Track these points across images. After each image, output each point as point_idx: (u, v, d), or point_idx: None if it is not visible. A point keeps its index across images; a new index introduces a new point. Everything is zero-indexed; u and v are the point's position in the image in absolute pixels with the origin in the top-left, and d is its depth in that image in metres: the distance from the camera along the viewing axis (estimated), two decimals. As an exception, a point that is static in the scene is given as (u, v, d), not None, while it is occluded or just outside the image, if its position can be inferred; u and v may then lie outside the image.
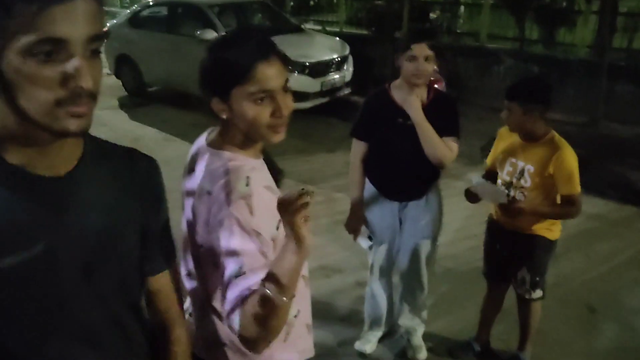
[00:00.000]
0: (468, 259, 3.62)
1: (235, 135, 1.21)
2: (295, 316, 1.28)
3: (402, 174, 2.40)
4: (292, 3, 10.57)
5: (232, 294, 1.08)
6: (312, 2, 11.08)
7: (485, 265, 2.69)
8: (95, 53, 0.80)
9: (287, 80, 1.17)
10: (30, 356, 0.86)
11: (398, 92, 2.28)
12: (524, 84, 2.37)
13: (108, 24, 8.21)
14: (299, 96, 6.58)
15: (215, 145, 1.23)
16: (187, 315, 1.33)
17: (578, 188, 2.25)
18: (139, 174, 0.99)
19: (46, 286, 0.85)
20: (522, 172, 2.32)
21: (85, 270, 0.88)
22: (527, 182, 2.31)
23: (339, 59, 6.98)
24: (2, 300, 0.82)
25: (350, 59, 7.26)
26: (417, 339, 2.75)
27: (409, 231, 2.50)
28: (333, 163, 5.32)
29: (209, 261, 1.16)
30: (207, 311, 1.27)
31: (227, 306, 1.08)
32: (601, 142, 5.91)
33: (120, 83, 8.00)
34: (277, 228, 1.15)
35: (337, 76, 6.89)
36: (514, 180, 2.35)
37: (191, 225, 1.22)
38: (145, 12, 7.89)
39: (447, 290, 3.29)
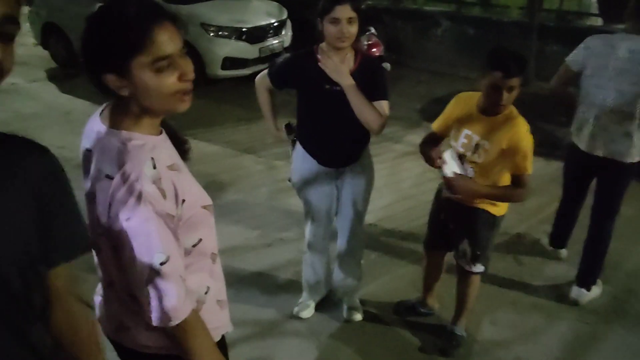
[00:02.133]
0: (405, 219, 3.73)
1: (133, 111, 1.13)
2: (206, 293, 1.29)
3: (336, 140, 2.41)
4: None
5: (167, 284, 1.08)
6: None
7: (428, 235, 2.70)
8: (5, 37, 0.74)
9: (184, 44, 1.11)
10: None
11: (324, 57, 2.26)
12: (515, 56, 2.13)
13: (31, -9, 7.71)
14: (237, 63, 6.46)
15: (111, 124, 1.16)
16: (97, 297, 1.33)
17: (530, 169, 2.20)
18: (27, 161, 0.92)
19: None
20: (477, 147, 2.25)
21: None
22: (481, 157, 2.24)
23: (277, 23, 6.85)
24: None
25: (289, 23, 7.14)
26: (354, 301, 2.83)
27: (347, 195, 2.54)
28: (273, 131, 5.28)
29: (111, 245, 1.13)
30: (111, 295, 1.26)
31: (167, 296, 1.09)
32: (532, 100, 6.12)
33: (49, 54, 7.58)
34: (181, 206, 1.14)
35: (275, 41, 6.77)
36: (468, 154, 2.28)
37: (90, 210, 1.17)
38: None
39: (384, 252, 3.38)
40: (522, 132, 2.19)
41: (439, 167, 2.30)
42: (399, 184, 4.26)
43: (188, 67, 1.11)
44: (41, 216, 0.94)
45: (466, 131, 2.29)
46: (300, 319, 2.80)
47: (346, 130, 2.35)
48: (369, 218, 2.92)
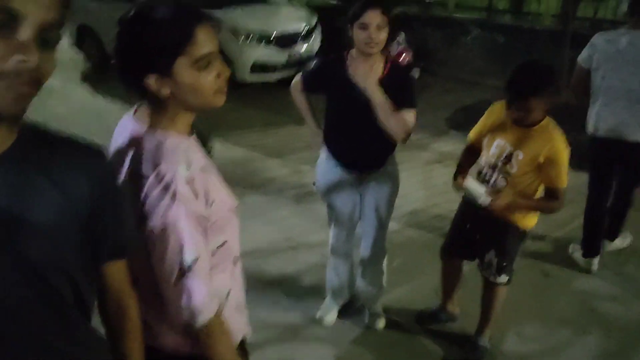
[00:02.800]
0: (430, 228, 3.71)
1: (168, 111, 1.16)
2: (227, 296, 1.30)
3: (361, 145, 2.41)
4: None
5: (196, 283, 1.11)
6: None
7: (449, 241, 2.65)
8: (50, 44, 0.78)
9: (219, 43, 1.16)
10: None
11: (353, 64, 2.27)
12: (527, 81, 2.07)
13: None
14: (266, 68, 6.52)
15: (145, 124, 1.17)
16: None
17: (565, 182, 2.19)
18: (77, 164, 0.94)
19: None
20: (509, 157, 2.22)
21: (20, 269, 0.86)
22: (513, 168, 2.21)
23: (307, 29, 6.89)
24: None
25: (319, 29, 7.17)
26: (376, 308, 2.83)
27: (370, 201, 2.54)
28: (300, 135, 5.29)
29: (140, 244, 1.14)
30: (137, 292, 1.27)
31: (196, 295, 1.11)
32: (565, 110, 6.02)
33: (83, 56, 7.77)
34: (211, 206, 1.16)
35: (304, 47, 6.81)
36: (500, 164, 2.26)
37: None
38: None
39: (408, 259, 3.36)
40: (559, 145, 2.16)
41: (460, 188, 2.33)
42: (425, 192, 4.24)
43: (224, 66, 1.16)
44: (95, 218, 0.96)
45: (499, 141, 2.27)
46: (322, 323, 2.80)
47: (372, 136, 2.35)
48: (393, 225, 2.92)
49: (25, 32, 0.74)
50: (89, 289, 1.00)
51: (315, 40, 7.06)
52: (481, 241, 2.46)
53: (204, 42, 1.10)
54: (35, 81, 0.78)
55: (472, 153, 2.45)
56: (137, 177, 1.12)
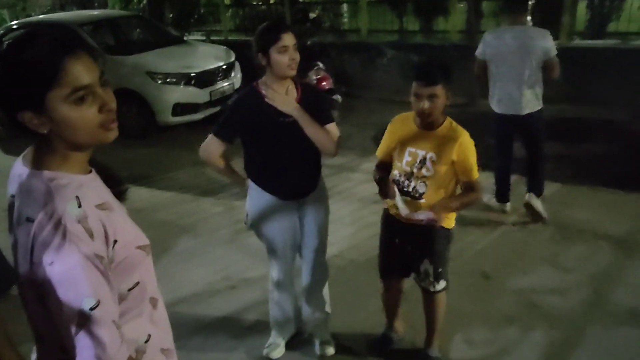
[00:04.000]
0: (368, 247, 3.67)
1: (56, 149, 1.07)
2: (146, 342, 1.19)
3: (295, 172, 2.38)
4: (171, 15, 10.26)
5: (99, 331, 1.00)
6: (196, 15, 10.85)
7: (383, 262, 2.60)
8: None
9: (102, 74, 1.06)
10: None
11: (269, 91, 2.24)
12: (436, 65, 2.26)
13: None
14: (188, 108, 6.41)
15: (32, 165, 1.08)
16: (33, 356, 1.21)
17: (477, 173, 2.28)
18: None
19: None
20: (423, 161, 2.27)
21: None
22: (429, 170, 2.26)
23: (226, 66, 6.87)
24: None
25: (237, 65, 7.17)
26: (325, 335, 2.75)
27: (311, 226, 2.50)
28: (230, 172, 5.22)
29: (36, 295, 1.03)
30: (42, 351, 1.16)
31: (100, 344, 1.00)
32: (480, 119, 6.29)
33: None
34: (113, 247, 1.06)
35: (225, 84, 6.78)
36: (415, 170, 2.29)
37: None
38: (8, 37, 7.28)
39: (352, 282, 3.32)
40: (467, 142, 2.26)
41: (390, 199, 2.31)
42: (359, 212, 4.24)
43: (109, 96, 1.06)
44: None
45: (410, 149, 2.32)
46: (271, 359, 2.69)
47: (302, 159, 2.35)
48: (332, 249, 2.88)
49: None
50: None
51: (236, 76, 7.05)
52: (413, 253, 2.44)
53: (79, 73, 1.01)
54: None
55: (383, 169, 2.46)
56: (24, 222, 1.02)
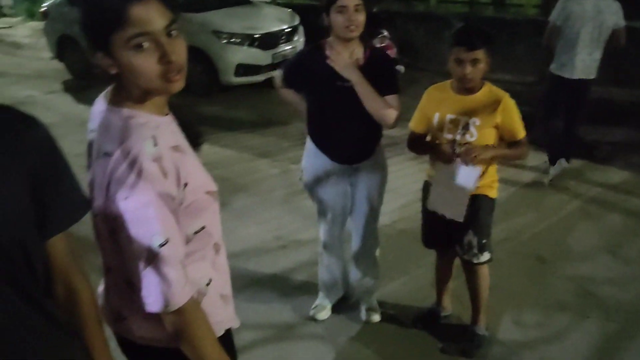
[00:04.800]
0: (420, 220, 3.64)
1: (131, 90, 1.09)
2: (207, 285, 1.23)
3: (349, 136, 2.35)
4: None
5: (166, 268, 1.04)
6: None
7: (426, 236, 2.59)
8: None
9: (171, 23, 1.06)
10: None
11: (332, 52, 2.20)
12: (477, 29, 2.20)
13: (47, 4, 7.83)
14: (250, 70, 6.47)
15: (112, 102, 1.11)
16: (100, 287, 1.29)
17: (524, 131, 2.26)
18: (18, 131, 0.92)
19: None
20: (466, 127, 2.22)
21: None
22: (473, 135, 2.22)
23: (289, 29, 6.85)
24: None
25: (301, 29, 7.13)
26: (371, 302, 2.77)
27: (361, 192, 2.48)
28: (288, 135, 5.26)
29: (108, 228, 1.08)
30: (109, 282, 1.22)
31: (166, 280, 1.04)
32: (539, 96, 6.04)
33: (64, 66, 7.67)
34: (183, 189, 1.09)
35: (288, 47, 6.76)
36: (458, 137, 2.25)
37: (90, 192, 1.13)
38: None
39: (402, 253, 3.31)
40: (509, 102, 2.22)
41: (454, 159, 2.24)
42: (413, 185, 4.16)
43: (173, 47, 1.05)
44: (36, 188, 0.93)
45: (450, 116, 2.26)
46: (316, 321, 2.74)
47: (358, 126, 2.30)
48: (384, 219, 2.86)
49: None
50: (40, 264, 0.96)
51: (299, 40, 7.03)
52: (455, 224, 2.36)
53: (140, 19, 1.01)
54: None
55: (418, 140, 2.40)
56: (102, 156, 1.06)
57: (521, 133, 2.25)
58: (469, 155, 2.17)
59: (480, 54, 2.13)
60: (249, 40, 6.42)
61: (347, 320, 2.76)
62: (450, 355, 2.54)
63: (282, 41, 6.72)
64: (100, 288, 1.29)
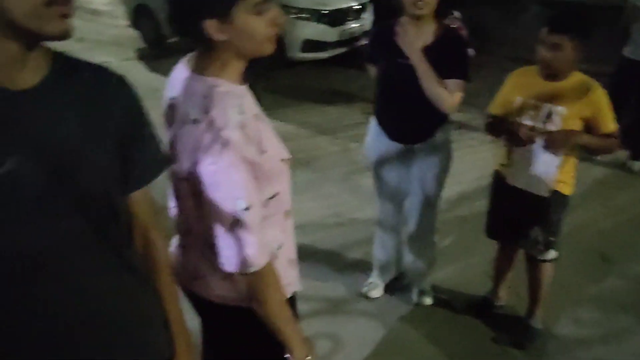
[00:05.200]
0: (480, 207, 3.57)
1: (221, 58, 1.14)
2: (278, 249, 1.29)
3: (408, 115, 2.32)
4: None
5: (247, 231, 1.10)
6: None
7: (491, 226, 2.53)
8: None
9: None
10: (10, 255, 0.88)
11: (401, 29, 2.18)
12: (571, 14, 2.15)
13: (125, -26, 8.10)
14: (317, 46, 6.47)
15: (196, 69, 1.16)
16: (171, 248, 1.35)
17: (615, 124, 2.12)
18: (108, 88, 0.98)
19: (20, 200, 0.86)
20: (549, 115, 2.11)
21: (58, 178, 0.89)
22: (556, 124, 2.10)
23: (359, 6, 6.77)
24: None
25: (370, 6, 7.04)
26: (424, 285, 2.78)
27: (418, 174, 2.45)
28: (350, 113, 5.27)
29: (192, 191, 1.14)
30: (189, 243, 1.29)
31: (247, 244, 1.10)
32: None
33: (139, 34, 7.95)
34: (263, 154, 1.14)
35: (356, 25, 6.71)
36: (540, 125, 2.12)
37: (174, 153, 1.18)
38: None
39: (459, 239, 3.29)
40: (600, 94, 2.08)
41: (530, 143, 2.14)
42: (473, 172, 4.11)
43: (280, 12, 1.14)
44: (122, 144, 0.99)
45: (532, 101, 2.14)
46: (368, 298, 2.78)
47: (419, 105, 2.23)
48: (443, 204, 2.84)
49: None
50: (123, 217, 1.03)
51: (368, 18, 6.95)
52: (522, 217, 2.30)
53: None
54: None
55: (498, 124, 2.30)
56: (190, 122, 1.11)
57: (611, 126, 2.10)
58: (554, 142, 2.07)
59: (564, 39, 2.00)
60: (317, 15, 6.41)
61: (398, 301, 2.79)
62: (502, 346, 2.52)
63: (350, 18, 6.66)
64: (172, 248, 1.37)
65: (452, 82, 2.15)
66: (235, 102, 1.11)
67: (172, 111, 1.20)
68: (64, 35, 0.84)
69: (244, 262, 1.12)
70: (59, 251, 0.92)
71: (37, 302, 0.92)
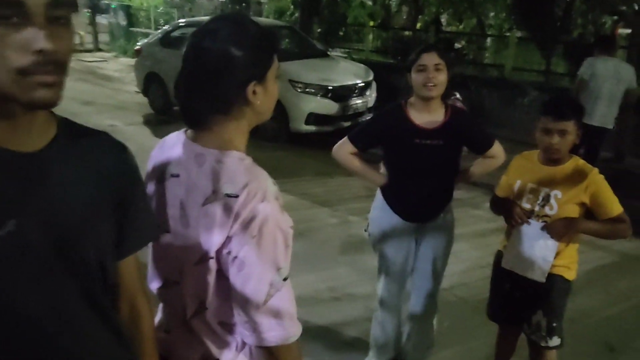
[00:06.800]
0: (481, 288, 3.50)
1: (241, 129, 1.14)
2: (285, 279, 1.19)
3: (420, 194, 2.34)
4: (319, 30, 10.74)
5: (288, 301, 1.08)
6: (340, 32, 11.27)
7: (492, 308, 2.48)
8: (61, 21, 0.78)
9: None
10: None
11: (412, 110, 2.25)
12: (567, 100, 2.23)
13: (141, 43, 8.44)
14: (321, 119, 6.63)
15: (213, 145, 1.11)
16: (160, 333, 1.23)
17: (620, 207, 2.08)
18: (110, 155, 0.98)
19: (15, 264, 0.83)
20: (546, 199, 2.15)
21: (58, 246, 0.87)
22: (553, 209, 2.13)
23: (363, 84, 7.02)
24: None
25: (374, 85, 7.29)
26: (424, 367, 2.66)
27: (426, 252, 2.44)
28: (350, 186, 5.30)
29: (216, 269, 1.09)
30: (196, 326, 1.17)
31: (287, 314, 1.08)
32: (627, 178, 5.76)
33: (147, 101, 8.16)
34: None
35: (360, 101, 6.91)
36: (537, 208, 2.16)
37: (180, 233, 1.13)
38: (176, 33, 8.06)
39: (459, 321, 3.19)
40: (598, 178, 2.10)
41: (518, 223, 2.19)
42: (474, 252, 4.07)
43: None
44: (118, 208, 0.98)
45: (531, 185, 2.19)
46: (365, 380, 2.66)
47: (431, 185, 2.31)
48: (443, 283, 2.77)
49: (34, 23, 0.74)
50: (111, 280, 1.01)
51: (371, 95, 7.16)
52: (525, 301, 2.27)
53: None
54: (58, 64, 0.78)
55: (499, 206, 2.34)
56: (223, 197, 1.06)
57: (616, 209, 2.08)
58: (555, 231, 2.10)
59: (569, 125, 2.08)
60: (323, 91, 6.61)
61: (395, 384, 2.66)
62: None
63: (354, 95, 6.88)
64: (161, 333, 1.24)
65: (492, 151, 2.34)
66: (266, 174, 1.10)
67: (158, 174, 1.19)
68: (47, 104, 0.79)
69: (286, 332, 1.08)
70: (50, 315, 0.89)
71: None
